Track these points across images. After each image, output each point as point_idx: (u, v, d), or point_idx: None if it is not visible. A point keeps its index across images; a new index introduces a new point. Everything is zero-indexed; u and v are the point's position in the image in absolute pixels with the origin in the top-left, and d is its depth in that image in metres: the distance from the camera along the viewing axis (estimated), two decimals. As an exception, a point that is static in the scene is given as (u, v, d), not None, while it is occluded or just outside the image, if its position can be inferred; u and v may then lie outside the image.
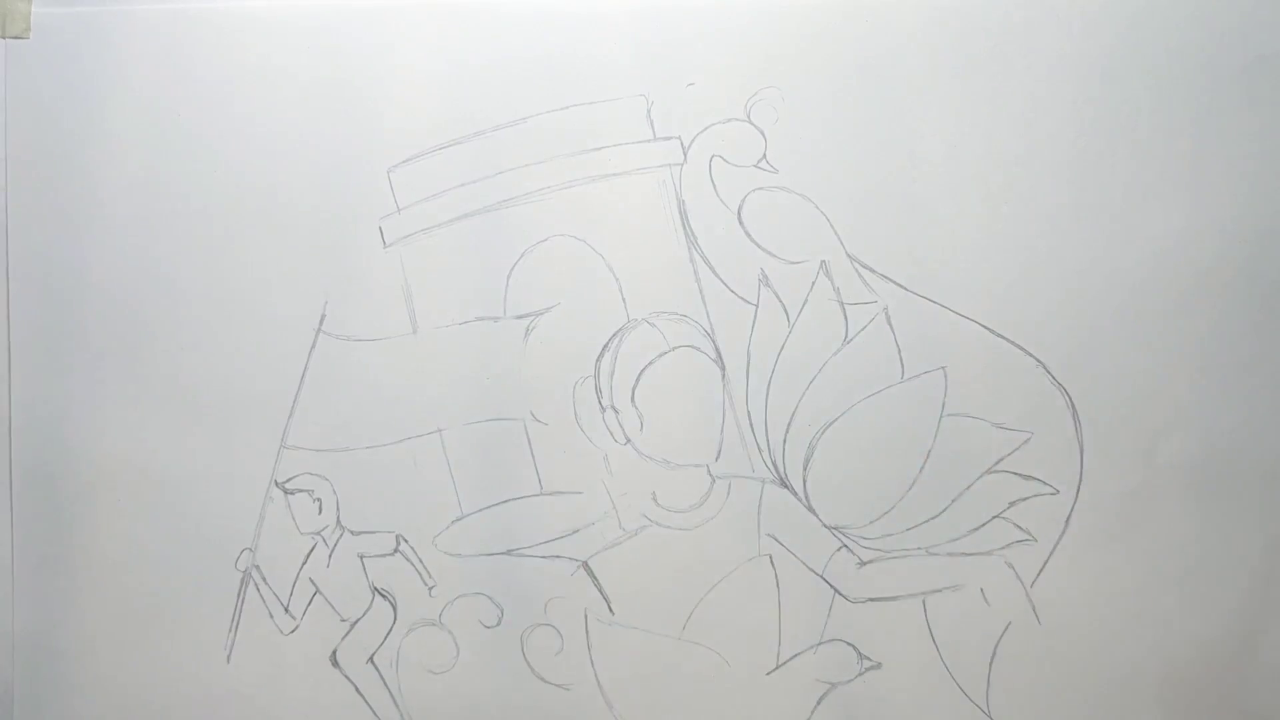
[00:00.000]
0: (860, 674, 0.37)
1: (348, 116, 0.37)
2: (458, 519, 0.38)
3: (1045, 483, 0.37)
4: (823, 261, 0.37)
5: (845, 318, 0.37)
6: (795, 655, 0.37)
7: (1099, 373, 0.37)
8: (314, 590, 0.38)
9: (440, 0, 0.37)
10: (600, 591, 0.37)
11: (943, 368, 0.37)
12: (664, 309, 0.38)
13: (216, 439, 0.38)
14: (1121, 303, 0.37)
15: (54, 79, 0.37)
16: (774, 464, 0.37)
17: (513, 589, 0.37)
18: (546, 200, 0.37)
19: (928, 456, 0.37)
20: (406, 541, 0.38)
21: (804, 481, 0.37)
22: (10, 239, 0.38)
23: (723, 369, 0.37)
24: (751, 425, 0.37)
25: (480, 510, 0.38)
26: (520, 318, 0.38)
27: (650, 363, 0.38)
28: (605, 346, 0.38)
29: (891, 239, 0.37)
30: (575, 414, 0.38)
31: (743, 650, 0.37)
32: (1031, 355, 0.37)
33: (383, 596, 0.38)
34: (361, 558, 0.38)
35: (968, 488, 0.37)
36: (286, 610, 0.38)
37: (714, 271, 0.37)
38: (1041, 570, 0.37)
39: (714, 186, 0.37)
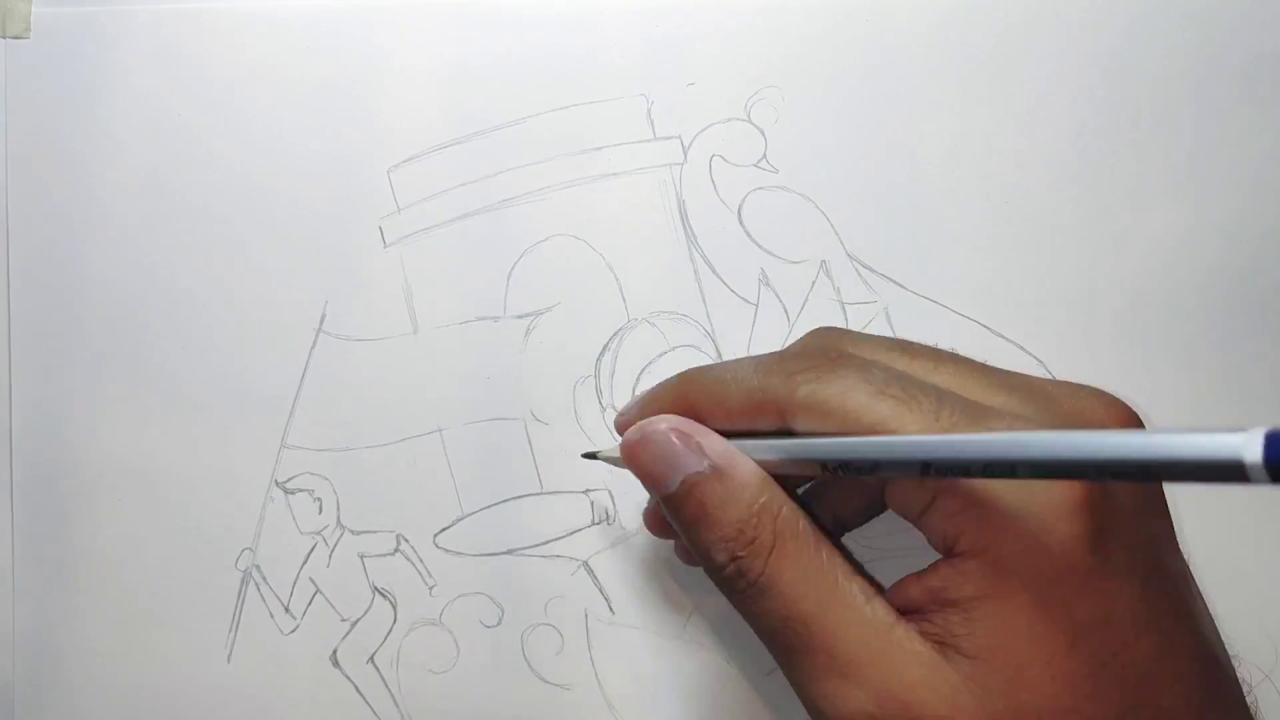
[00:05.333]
0: (860, 673, 0.37)
1: (348, 116, 0.37)
2: (458, 518, 0.38)
3: (1045, 482, 0.37)
4: (823, 261, 0.37)
5: (845, 317, 0.37)
6: (795, 655, 0.37)
7: (1099, 373, 0.37)
8: (314, 590, 0.38)
9: (440, 0, 0.37)
10: (600, 591, 0.37)
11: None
12: (664, 309, 0.38)
13: (216, 439, 0.38)
14: (1121, 303, 0.37)
15: (54, 79, 0.37)
16: (774, 463, 0.37)
17: (513, 588, 0.37)
18: (546, 200, 0.37)
19: (928, 456, 0.37)
20: (407, 541, 0.38)
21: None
22: (10, 239, 0.38)
23: (723, 369, 0.37)
24: (752, 425, 0.37)
25: (481, 510, 0.38)
26: (520, 317, 0.38)
27: (650, 362, 0.38)
28: (605, 346, 0.38)
29: (891, 239, 0.37)
30: (576, 413, 0.38)
31: (743, 650, 0.37)
32: (1031, 355, 0.37)
33: (383, 596, 0.38)
34: (362, 557, 0.38)
35: (968, 487, 0.37)
36: (287, 610, 0.38)
37: (714, 271, 0.37)
38: (1041, 570, 0.37)
39: (714, 186, 0.37)
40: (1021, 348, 0.37)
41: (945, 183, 0.37)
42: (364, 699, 0.38)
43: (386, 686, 0.38)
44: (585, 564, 0.37)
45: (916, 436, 0.24)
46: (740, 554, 0.26)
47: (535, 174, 0.37)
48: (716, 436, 0.28)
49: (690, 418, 0.28)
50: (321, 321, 0.38)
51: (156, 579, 0.38)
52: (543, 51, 0.37)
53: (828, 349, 0.28)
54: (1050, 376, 0.37)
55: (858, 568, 0.27)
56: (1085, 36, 0.37)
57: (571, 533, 0.37)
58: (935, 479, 0.25)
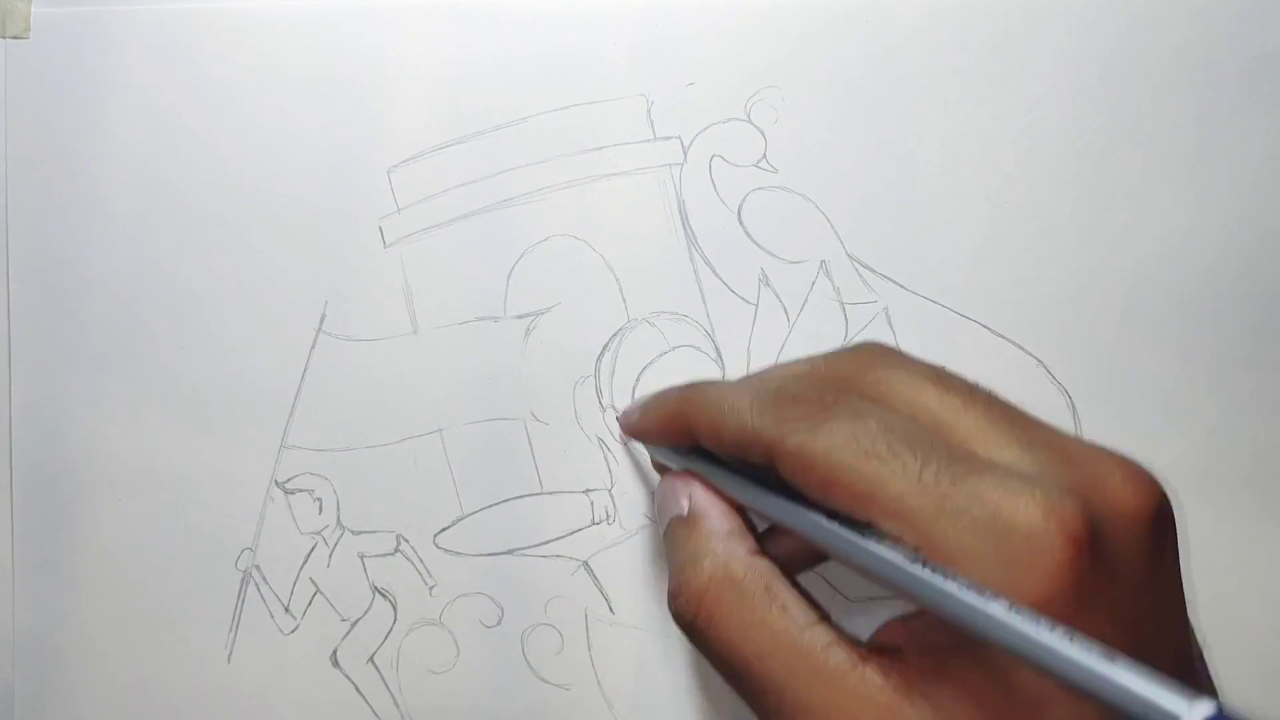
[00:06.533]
0: (860, 673, 0.37)
1: (348, 116, 0.37)
2: (458, 518, 0.38)
3: (1045, 482, 0.37)
4: (823, 261, 0.37)
5: (845, 317, 0.37)
6: (795, 654, 0.37)
7: (1099, 373, 0.37)
8: (314, 590, 0.38)
9: (440, 0, 0.37)
10: (600, 591, 0.37)
11: (943, 367, 0.37)
12: (664, 309, 0.38)
13: (216, 439, 0.38)
14: (1122, 303, 0.37)
15: (54, 79, 0.37)
16: (774, 463, 0.37)
17: (513, 589, 0.38)
18: (546, 200, 0.38)
19: (928, 456, 0.37)
20: (407, 541, 0.38)
21: (804, 481, 0.37)
22: (10, 239, 0.38)
23: (723, 369, 0.37)
24: (752, 425, 0.37)
25: (481, 510, 0.38)
26: (520, 318, 0.38)
27: (650, 362, 0.38)
28: (605, 346, 0.38)
29: (891, 239, 0.37)
30: (575, 414, 0.38)
31: (743, 650, 0.37)
32: (1032, 355, 0.37)
33: (383, 596, 0.38)
34: (362, 557, 0.38)
35: (968, 487, 0.37)
36: (287, 610, 0.38)
37: (714, 271, 0.37)
38: (1041, 570, 0.37)
39: (714, 186, 0.37)
40: (1021, 348, 0.37)
41: (945, 183, 0.37)
42: (364, 699, 0.38)
43: (386, 686, 0.38)
44: (585, 564, 0.37)
45: (889, 554, 0.24)
46: (679, 595, 0.29)
47: (535, 174, 0.37)
48: (702, 489, 0.30)
49: (685, 436, 0.31)
50: (321, 321, 0.38)
51: (156, 579, 0.38)
52: (543, 51, 0.37)
53: (819, 391, 0.27)
54: (1050, 376, 0.37)
55: (823, 615, 0.27)
56: (1085, 36, 0.37)
57: (571, 533, 0.37)
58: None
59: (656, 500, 0.32)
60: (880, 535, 0.25)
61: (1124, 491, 0.25)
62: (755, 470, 0.29)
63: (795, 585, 0.28)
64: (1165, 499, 0.25)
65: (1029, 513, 0.23)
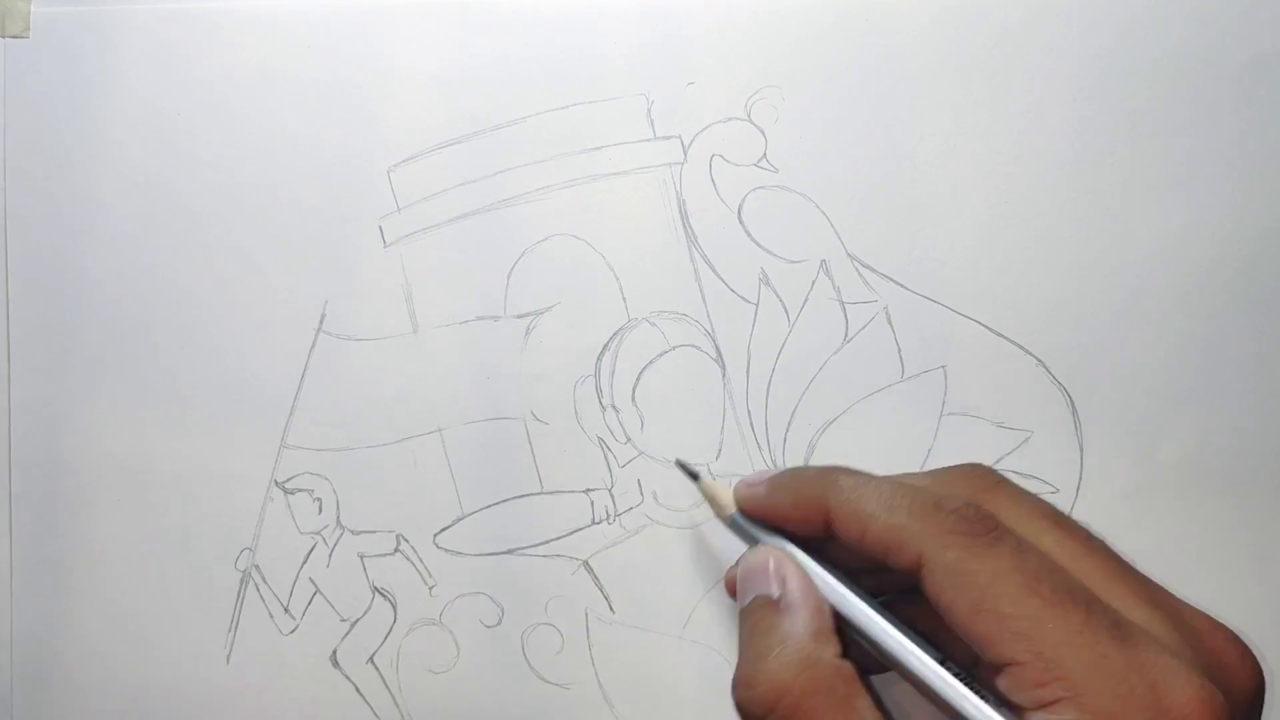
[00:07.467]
0: (860, 673, 0.37)
1: (348, 116, 0.37)
2: (458, 518, 0.38)
3: (1045, 481, 0.37)
4: (823, 261, 0.37)
5: (845, 317, 0.37)
6: (795, 654, 0.37)
7: (1099, 372, 0.37)
8: (314, 590, 0.38)
9: (440, 0, 0.37)
10: (601, 591, 0.37)
11: (943, 367, 0.37)
12: (664, 308, 0.38)
13: (216, 439, 0.38)
14: (1121, 302, 0.37)
15: (54, 79, 0.37)
16: (774, 462, 0.37)
17: (513, 588, 0.38)
18: (546, 200, 0.38)
19: (928, 455, 0.37)
20: (407, 541, 0.38)
21: (804, 480, 0.37)
22: (10, 239, 0.38)
23: (723, 368, 0.37)
24: (752, 424, 0.37)
25: (481, 509, 0.38)
26: (520, 317, 0.38)
27: (650, 362, 0.38)
28: (605, 346, 0.38)
29: (891, 239, 0.37)
30: (576, 413, 0.38)
31: (743, 649, 0.37)
32: (1031, 354, 0.37)
33: (383, 596, 0.38)
34: (361, 557, 0.38)
35: (968, 487, 0.37)
36: (286, 610, 0.38)
37: (714, 271, 0.37)
38: (1041, 569, 0.37)
39: (714, 186, 0.37)
40: (1021, 347, 0.37)
41: (945, 183, 0.37)
42: (364, 699, 0.38)
43: (386, 686, 0.38)
44: (585, 563, 0.37)
45: None
46: (755, 686, 0.27)
47: (535, 174, 0.37)
48: (801, 580, 0.28)
49: (816, 523, 0.29)
50: (321, 321, 0.38)
51: (156, 579, 0.38)
52: (543, 51, 0.37)
53: (983, 512, 0.26)
54: (1050, 375, 0.37)
55: None
56: (1084, 36, 0.37)
57: (572, 532, 0.37)
58: None
59: (741, 568, 0.30)
60: (993, 692, 0.25)
61: (1242, 671, 0.26)
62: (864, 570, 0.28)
63: (870, 689, 0.27)
64: (1262, 675, 0.26)
65: (1187, 697, 0.23)
